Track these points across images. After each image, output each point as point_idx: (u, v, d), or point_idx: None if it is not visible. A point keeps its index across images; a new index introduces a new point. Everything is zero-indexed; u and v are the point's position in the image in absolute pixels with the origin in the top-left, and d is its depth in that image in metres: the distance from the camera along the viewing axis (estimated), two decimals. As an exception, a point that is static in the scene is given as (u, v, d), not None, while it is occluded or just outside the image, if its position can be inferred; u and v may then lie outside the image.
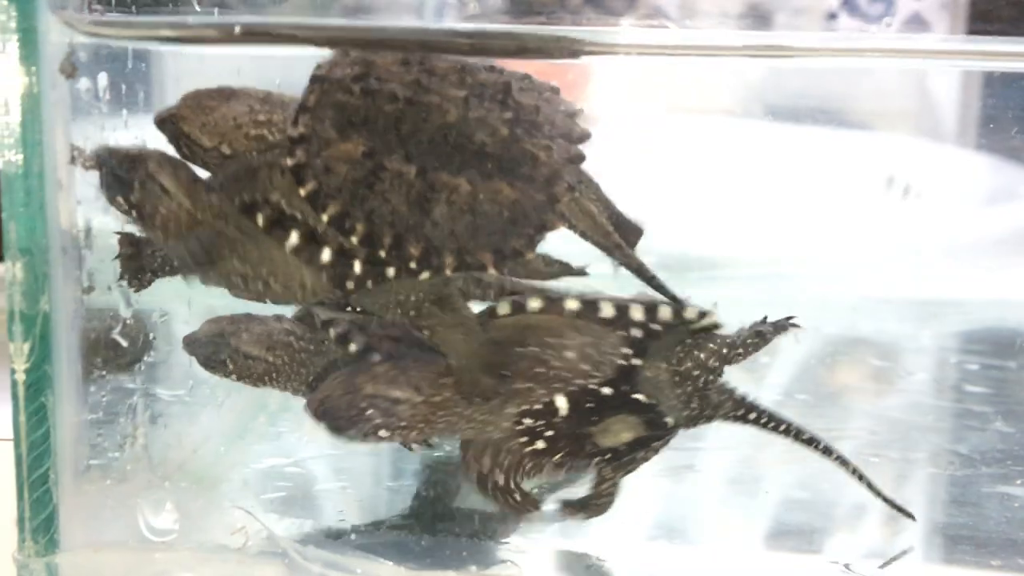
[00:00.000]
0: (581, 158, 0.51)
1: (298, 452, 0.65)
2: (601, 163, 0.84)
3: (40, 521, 0.52)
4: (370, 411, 0.50)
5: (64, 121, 0.51)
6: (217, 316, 0.56)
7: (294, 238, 0.49)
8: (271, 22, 0.56)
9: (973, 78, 0.89)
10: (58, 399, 0.52)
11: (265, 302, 0.52)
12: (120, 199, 0.50)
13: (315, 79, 0.49)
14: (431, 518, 0.58)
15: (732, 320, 0.84)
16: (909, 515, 0.57)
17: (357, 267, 0.50)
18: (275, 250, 0.50)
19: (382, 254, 0.49)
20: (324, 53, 0.50)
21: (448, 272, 0.49)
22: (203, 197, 0.51)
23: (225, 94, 0.51)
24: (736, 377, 0.63)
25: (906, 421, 0.72)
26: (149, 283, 0.54)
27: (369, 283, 0.50)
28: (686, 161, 0.86)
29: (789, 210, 0.86)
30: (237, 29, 0.52)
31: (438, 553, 0.54)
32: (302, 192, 0.48)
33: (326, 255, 0.50)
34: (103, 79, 0.53)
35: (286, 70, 0.55)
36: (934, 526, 0.60)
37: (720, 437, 0.61)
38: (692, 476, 0.64)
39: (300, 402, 0.66)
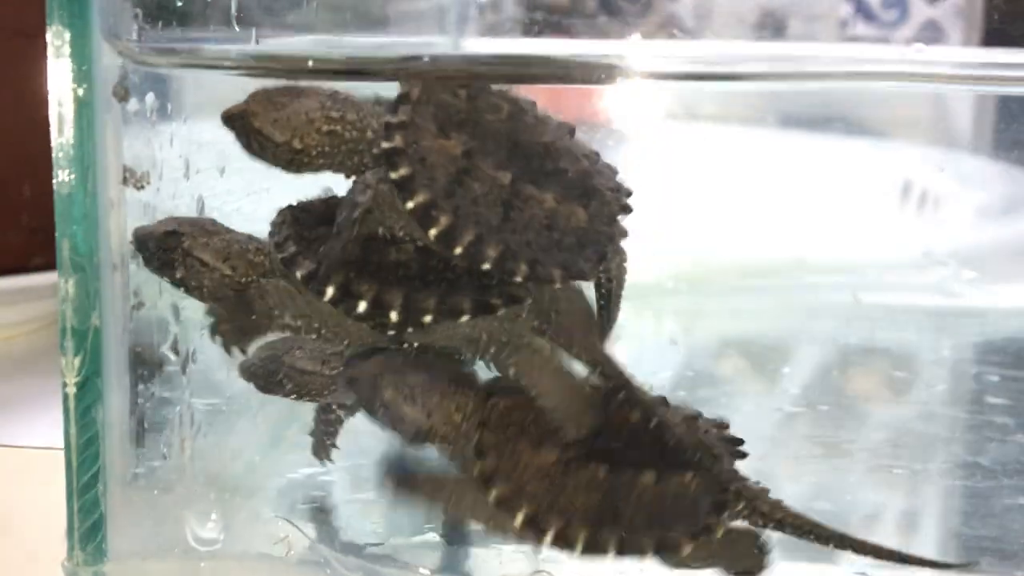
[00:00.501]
0: (629, 210, 0.54)
1: (331, 461, 0.66)
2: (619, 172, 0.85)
3: (88, 530, 0.54)
4: (381, 413, 0.52)
5: (116, 141, 0.53)
6: (269, 341, 0.56)
7: (330, 291, 0.50)
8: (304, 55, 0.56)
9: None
10: (107, 411, 0.53)
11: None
12: (167, 277, 0.52)
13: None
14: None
15: (752, 328, 0.85)
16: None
17: (393, 315, 0.50)
18: (319, 302, 0.51)
19: (457, 252, 0.49)
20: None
21: (519, 277, 0.49)
22: (241, 259, 0.52)
23: (295, 92, 0.51)
24: (755, 387, 0.64)
25: (926, 432, 0.72)
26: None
27: (409, 330, 0.51)
28: (703, 171, 0.87)
29: (806, 219, 0.87)
30: (310, 64, 0.53)
31: (474, 562, 0.55)
32: (393, 176, 0.48)
33: (361, 307, 0.50)
34: (151, 99, 0.54)
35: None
36: (957, 537, 0.61)
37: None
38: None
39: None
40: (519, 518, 0.51)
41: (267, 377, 0.56)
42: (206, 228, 0.53)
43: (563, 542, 0.51)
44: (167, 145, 0.55)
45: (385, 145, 0.49)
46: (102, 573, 0.54)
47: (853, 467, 0.66)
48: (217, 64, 0.53)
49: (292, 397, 0.56)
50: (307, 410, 0.68)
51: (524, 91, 0.68)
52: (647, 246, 0.85)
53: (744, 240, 0.86)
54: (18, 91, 0.86)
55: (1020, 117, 0.77)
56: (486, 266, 0.49)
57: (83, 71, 0.51)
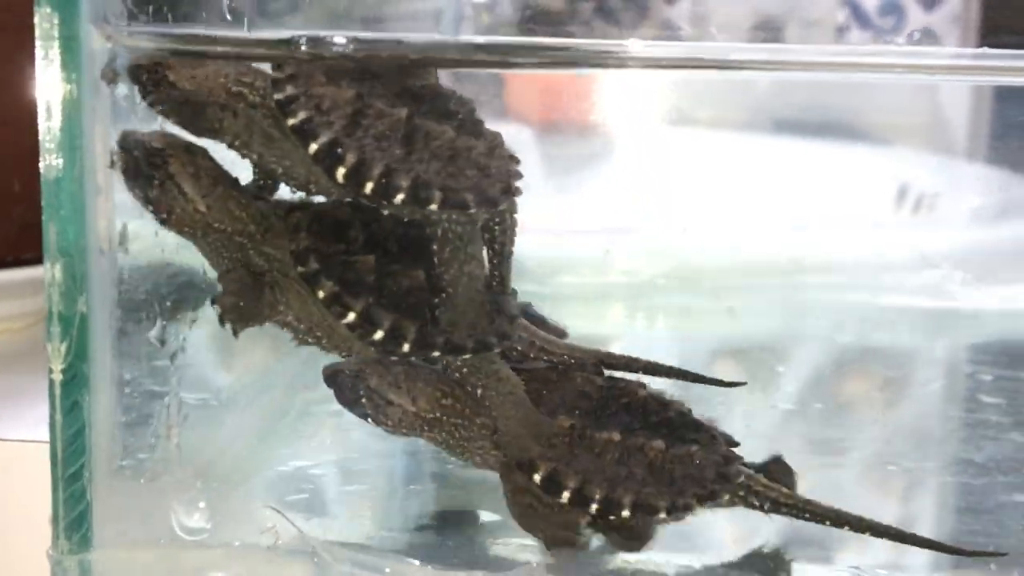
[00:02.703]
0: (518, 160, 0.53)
1: (321, 455, 0.66)
2: (615, 177, 0.85)
3: (74, 519, 0.53)
4: (364, 401, 0.53)
5: (104, 126, 0.52)
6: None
7: (351, 317, 0.51)
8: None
9: (984, 91, 0.90)
10: (94, 399, 0.52)
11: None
12: (138, 191, 0.52)
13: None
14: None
15: (746, 328, 0.85)
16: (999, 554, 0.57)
17: (406, 347, 0.51)
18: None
19: (369, 188, 0.49)
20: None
21: (434, 207, 0.49)
22: (224, 204, 0.52)
23: (207, 59, 0.52)
24: (750, 387, 0.64)
25: (921, 430, 0.72)
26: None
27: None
28: (699, 174, 0.87)
29: (802, 222, 0.87)
30: (302, 48, 0.52)
31: (464, 554, 0.55)
32: (291, 122, 0.49)
33: (378, 335, 0.51)
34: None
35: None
36: (951, 534, 0.61)
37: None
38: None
39: (322, 406, 0.67)
40: (538, 477, 0.53)
41: (348, 392, 0.55)
42: (195, 159, 0.53)
43: (580, 499, 0.53)
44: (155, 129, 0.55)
45: (278, 96, 0.49)
46: (87, 562, 0.53)
47: (848, 465, 0.66)
48: (208, 51, 0.53)
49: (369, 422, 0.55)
50: (297, 404, 0.68)
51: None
52: (642, 246, 0.86)
53: (739, 240, 0.86)
54: (7, 85, 0.85)
55: (1014, 123, 0.77)
56: (400, 197, 0.49)
57: (71, 54, 0.50)
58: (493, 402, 0.54)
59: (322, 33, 0.53)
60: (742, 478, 0.56)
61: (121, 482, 0.55)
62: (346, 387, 0.53)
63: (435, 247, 0.52)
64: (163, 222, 0.52)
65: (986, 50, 0.56)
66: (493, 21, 0.68)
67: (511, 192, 0.52)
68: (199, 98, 0.51)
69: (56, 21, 0.50)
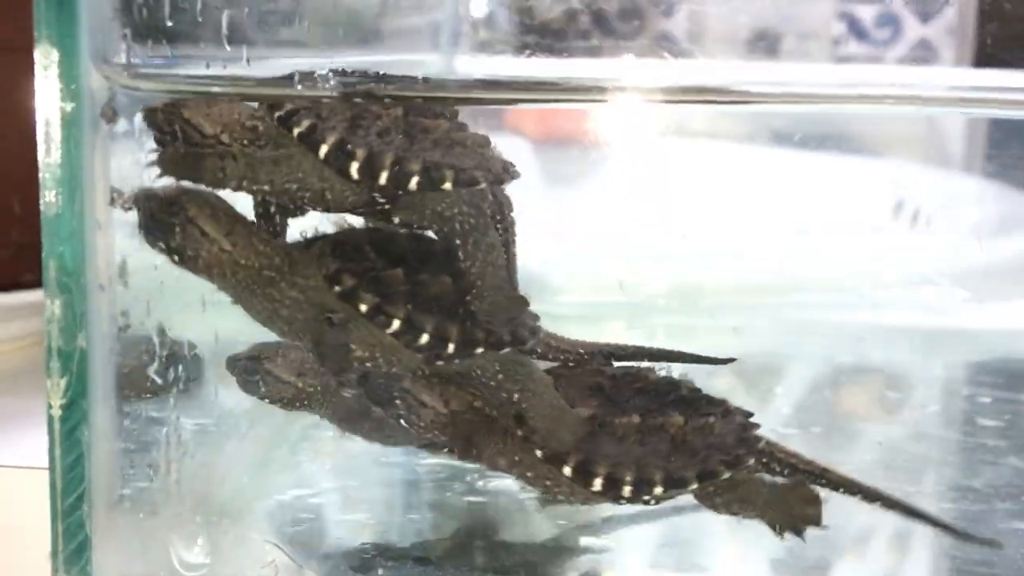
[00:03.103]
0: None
1: (320, 483, 0.66)
2: (607, 189, 0.85)
3: (72, 552, 0.53)
4: (398, 401, 0.54)
5: (103, 163, 0.52)
6: (263, 342, 0.57)
7: (396, 324, 0.52)
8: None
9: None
10: (93, 434, 0.52)
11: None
12: (161, 244, 0.52)
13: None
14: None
15: (744, 347, 0.85)
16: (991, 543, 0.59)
17: (451, 347, 0.52)
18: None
19: (384, 177, 0.50)
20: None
21: (447, 186, 0.51)
22: (247, 240, 0.52)
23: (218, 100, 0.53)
24: (747, 406, 0.64)
25: (919, 454, 0.72)
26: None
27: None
28: (694, 188, 0.87)
29: (798, 238, 0.87)
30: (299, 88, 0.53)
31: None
32: (297, 132, 0.50)
33: (424, 339, 0.52)
34: (138, 120, 0.54)
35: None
36: (949, 560, 0.61)
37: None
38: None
39: (320, 432, 0.67)
40: (568, 468, 0.53)
41: (245, 375, 0.56)
42: (211, 201, 0.53)
43: (612, 484, 0.53)
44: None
45: (278, 113, 0.51)
46: (86, 596, 0.53)
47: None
48: (205, 89, 0.53)
49: (265, 401, 0.57)
50: (295, 432, 0.68)
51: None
52: (638, 264, 0.85)
53: (736, 258, 0.86)
54: (5, 107, 0.85)
55: (1012, 137, 0.77)
56: (414, 181, 0.50)
57: (71, 90, 0.50)
58: (530, 403, 0.54)
59: (322, 62, 0.54)
60: (763, 443, 0.57)
61: (120, 515, 0.55)
62: (379, 387, 0.54)
63: (457, 242, 0.53)
64: (191, 268, 0.52)
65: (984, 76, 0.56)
66: (491, 37, 0.68)
67: (511, 171, 0.54)
68: (200, 149, 0.52)
69: (55, 57, 0.50)
